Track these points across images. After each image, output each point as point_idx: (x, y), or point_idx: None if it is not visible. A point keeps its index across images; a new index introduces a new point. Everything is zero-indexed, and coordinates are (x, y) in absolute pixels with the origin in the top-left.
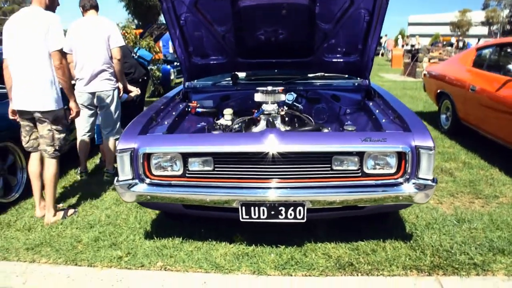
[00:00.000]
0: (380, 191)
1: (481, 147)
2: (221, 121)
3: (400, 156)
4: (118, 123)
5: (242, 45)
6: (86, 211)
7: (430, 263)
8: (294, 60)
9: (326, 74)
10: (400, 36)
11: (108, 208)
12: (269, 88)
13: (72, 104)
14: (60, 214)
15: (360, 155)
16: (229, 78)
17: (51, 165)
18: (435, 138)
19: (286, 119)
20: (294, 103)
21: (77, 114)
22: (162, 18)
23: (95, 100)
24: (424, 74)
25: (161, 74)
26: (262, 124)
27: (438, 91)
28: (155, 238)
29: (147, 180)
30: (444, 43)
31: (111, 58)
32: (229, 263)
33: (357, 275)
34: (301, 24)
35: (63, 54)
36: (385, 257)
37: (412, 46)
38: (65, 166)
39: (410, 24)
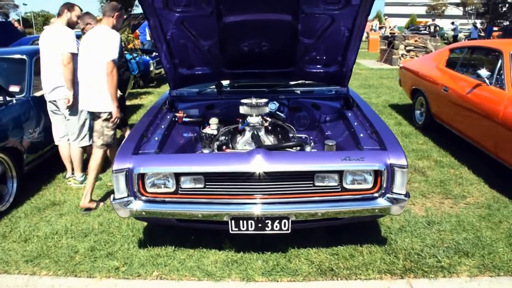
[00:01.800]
0: (358, 205)
1: (452, 145)
2: (207, 130)
3: (377, 173)
4: (85, 129)
5: (227, 57)
6: (79, 219)
7: (402, 267)
8: (277, 71)
9: (306, 82)
10: (377, 20)
11: (99, 215)
12: (254, 101)
13: (113, 109)
14: (95, 203)
15: (340, 172)
16: (214, 86)
17: (96, 154)
18: (409, 134)
19: (270, 128)
20: (277, 112)
21: (117, 119)
22: (137, 8)
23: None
24: (400, 68)
25: (141, 68)
26: (247, 136)
27: (413, 87)
28: (149, 246)
29: (142, 197)
30: (421, 26)
31: None
32: (220, 271)
33: (337, 279)
34: (283, 38)
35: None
36: (362, 261)
37: (391, 33)
38: (54, 171)
39: (386, 4)
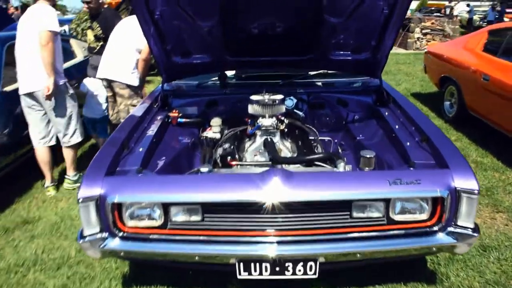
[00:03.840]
0: (410, 242)
1: (492, 142)
2: (208, 134)
3: (436, 199)
4: (74, 124)
5: (232, 41)
6: (53, 243)
7: None
8: (294, 58)
9: (329, 72)
10: None
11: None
12: (267, 97)
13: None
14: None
15: (387, 199)
16: (216, 78)
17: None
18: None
19: (286, 131)
20: (295, 110)
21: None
22: None
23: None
24: (426, 53)
25: None
26: (259, 142)
27: (442, 75)
28: (135, 286)
29: (119, 233)
30: (434, 9)
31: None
32: None
33: None
34: (303, 16)
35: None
36: None
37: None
38: (32, 178)
39: None
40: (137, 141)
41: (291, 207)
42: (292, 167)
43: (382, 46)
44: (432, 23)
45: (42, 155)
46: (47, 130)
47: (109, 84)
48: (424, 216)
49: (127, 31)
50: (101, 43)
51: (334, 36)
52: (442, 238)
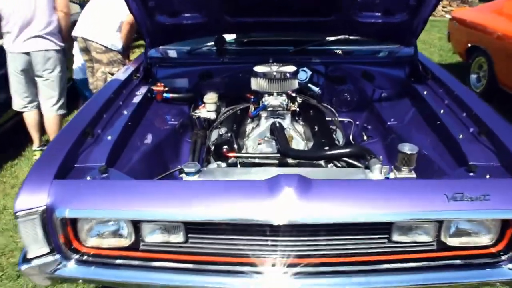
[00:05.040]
0: (467, 275)
1: None
2: (201, 113)
3: (507, 221)
4: (64, 92)
5: None
6: (17, 242)
7: None
8: (308, 20)
9: (352, 38)
10: None
11: None
12: (274, 69)
13: None
14: None
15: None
16: (212, 44)
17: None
18: None
19: (298, 112)
20: (309, 84)
21: None
22: None
23: (32, 63)
24: (451, 19)
25: None
26: (263, 127)
27: (470, 44)
28: None
29: (76, 256)
30: None
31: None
32: None
33: None
34: None
35: None
36: None
37: None
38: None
39: None
40: (107, 124)
41: (307, 228)
42: (305, 169)
43: (424, 6)
44: None
45: (31, 118)
46: (34, 94)
47: (86, 45)
48: (486, 240)
49: None
50: None
51: None
52: (511, 271)
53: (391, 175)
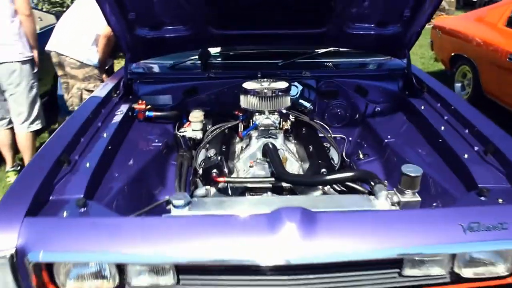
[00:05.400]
0: None
1: None
2: (187, 132)
3: None
4: (38, 106)
5: (217, 8)
6: None
7: None
8: (298, 32)
9: (342, 50)
10: None
11: None
12: (265, 86)
13: None
14: None
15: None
16: (196, 57)
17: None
18: None
19: (290, 130)
20: (301, 100)
21: None
22: None
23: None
24: (433, 28)
25: None
26: (254, 148)
27: (454, 53)
28: None
29: None
30: None
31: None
32: None
33: None
34: None
35: None
36: None
37: None
38: None
39: None
40: (85, 149)
41: (312, 266)
42: (306, 198)
43: (419, 17)
44: None
45: (2, 137)
46: (5, 110)
47: (59, 59)
48: (502, 270)
49: None
50: None
51: (354, 2)
52: None
53: (395, 198)
